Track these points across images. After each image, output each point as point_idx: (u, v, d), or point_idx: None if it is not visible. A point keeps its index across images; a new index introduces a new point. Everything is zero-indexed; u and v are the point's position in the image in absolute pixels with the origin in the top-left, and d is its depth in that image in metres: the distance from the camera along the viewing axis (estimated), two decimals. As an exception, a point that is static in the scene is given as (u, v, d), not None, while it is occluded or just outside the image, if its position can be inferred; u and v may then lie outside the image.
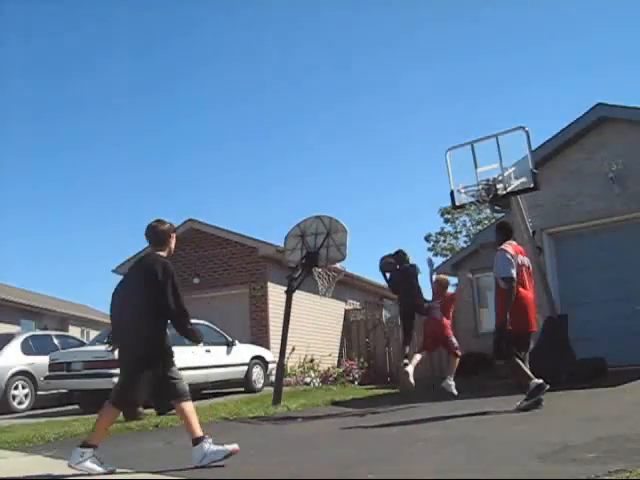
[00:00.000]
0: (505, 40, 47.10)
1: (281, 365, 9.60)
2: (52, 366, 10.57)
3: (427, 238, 31.22)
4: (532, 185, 9.05)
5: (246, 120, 51.46)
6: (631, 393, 7.28)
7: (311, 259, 9.42)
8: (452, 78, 49.12)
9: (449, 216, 29.99)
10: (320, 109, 52.16)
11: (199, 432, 4.62)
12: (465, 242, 27.72)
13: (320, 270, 9.81)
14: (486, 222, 26.69)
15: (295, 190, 53.92)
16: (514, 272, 6.43)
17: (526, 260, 6.78)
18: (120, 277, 18.34)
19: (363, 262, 54.35)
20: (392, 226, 50.71)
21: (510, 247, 6.67)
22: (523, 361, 6.49)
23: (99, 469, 4.51)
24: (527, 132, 8.94)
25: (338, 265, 10.02)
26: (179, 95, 48.83)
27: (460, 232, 30.38)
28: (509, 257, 6.51)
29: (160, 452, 5.74)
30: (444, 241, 30.87)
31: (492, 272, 6.87)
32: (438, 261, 29.44)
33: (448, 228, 30.88)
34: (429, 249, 31.17)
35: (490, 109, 47.56)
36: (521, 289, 6.51)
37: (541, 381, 6.22)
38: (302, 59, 49.64)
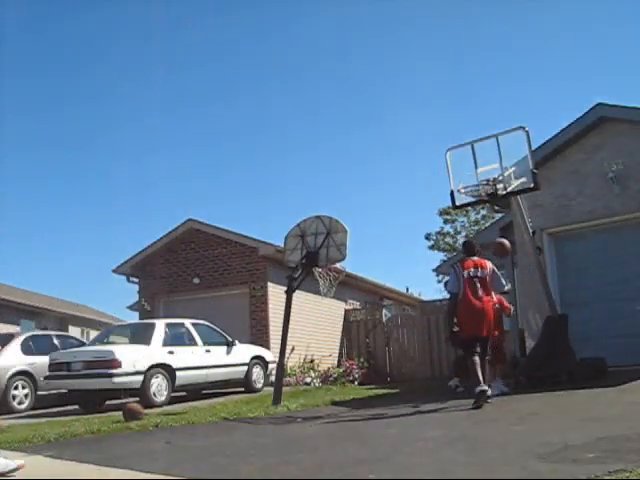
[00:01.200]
0: (505, 40, 47.12)
1: (281, 365, 9.59)
2: (52, 366, 10.57)
3: (427, 237, 31.66)
4: (532, 185, 9.04)
5: (246, 120, 51.49)
6: (631, 393, 7.27)
7: (311, 259, 9.40)
8: (452, 78, 49.14)
9: (448, 217, 30.15)
10: (320, 109, 52.18)
11: None
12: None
13: (320, 270, 9.80)
14: (483, 222, 26.79)
15: (295, 190, 53.97)
16: (455, 289, 7.47)
17: (480, 272, 7.43)
18: (120, 277, 17.97)
19: (363, 262, 54.41)
20: (392, 226, 50.79)
21: (460, 264, 7.57)
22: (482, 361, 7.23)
23: None
24: (527, 132, 8.92)
25: (338, 265, 10.00)
26: (179, 94, 48.84)
27: (460, 232, 30.48)
28: (453, 275, 7.56)
29: (160, 452, 5.74)
30: (444, 240, 31.15)
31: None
32: (440, 256, 29.74)
33: (448, 228, 31.07)
34: (430, 247, 31.50)
35: (490, 109, 47.59)
36: (470, 299, 7.27)
37: (485, 388, 6.89)
38: (302, 59, 49.65)
